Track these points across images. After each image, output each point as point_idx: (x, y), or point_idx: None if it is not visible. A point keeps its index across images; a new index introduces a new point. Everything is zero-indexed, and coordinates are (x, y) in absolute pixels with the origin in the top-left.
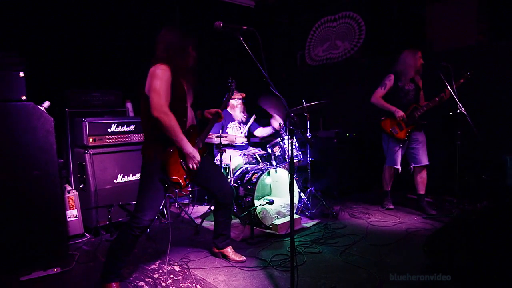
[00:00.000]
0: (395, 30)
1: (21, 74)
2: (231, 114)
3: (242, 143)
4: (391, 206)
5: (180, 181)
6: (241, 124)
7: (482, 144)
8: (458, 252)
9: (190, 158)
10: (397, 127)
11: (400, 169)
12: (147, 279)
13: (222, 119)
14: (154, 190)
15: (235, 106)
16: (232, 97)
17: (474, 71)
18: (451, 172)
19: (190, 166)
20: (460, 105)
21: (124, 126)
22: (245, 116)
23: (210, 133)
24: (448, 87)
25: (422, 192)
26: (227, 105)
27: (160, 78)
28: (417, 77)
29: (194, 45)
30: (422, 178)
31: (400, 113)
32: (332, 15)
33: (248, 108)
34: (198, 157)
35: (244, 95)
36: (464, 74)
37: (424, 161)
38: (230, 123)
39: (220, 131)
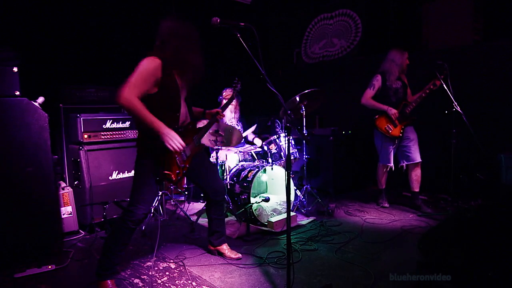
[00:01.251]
0: (392, 28)
1: (15, 69)
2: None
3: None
4: (386, 205)
5: (172, 175)
6: (237, 122)
7: (477, 142)
8: (452, 250)
9: (167, 137)
10: (391, 125)
11: (393, 166)
12: (142, 276)
13: (223, 117)
14: (147, 184)
15: (228, 108)
16: (224, 95)
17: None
18: (446, 170)
19: (170, 146)
20: (456, 103)
21: (119, 123)
22: (236, 117)
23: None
24: (444, 84)
25: (416, 190)
26: (228, 105)
27: (140, 68)
28: (403, 75)
29: (198, 43)
30: (416, 176)
31: (393, 111)
32: (329, 13)
33: (241, 107)
34: (177, 137)
35: (233, 95)
36: (440, 76)
37: (417, 158)
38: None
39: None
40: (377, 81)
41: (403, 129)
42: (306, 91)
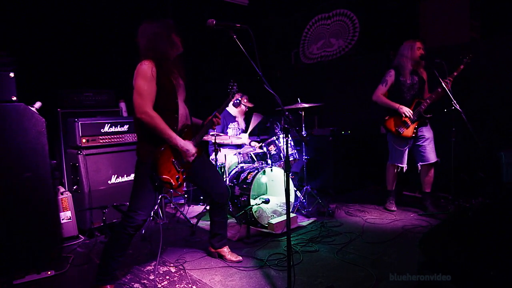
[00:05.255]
0: (389, 27)
1: (11, 74)
2: (234, 117)
3: (241, 144)
4: (394, 208)
5: (171, 180)
6: (240, 130)
7: (476, 140)
8: (454, 249)
9: (184, 151)
10: (403, 126)
11: (406, 167)
12: (142, 281)
13: (219, 124)
14: (148, 190)
15: (243, 112)
16: (245, 103)
17: (472, 55)
18: (446, 169)
19: (185, 160)
20: (455, 102)
21: (117, 126)
22: (244, 124)
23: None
24: (443, 84)
25: (428, 190)
26: (224, 108)
27: (143, 76)
28: (421, 70)
29: (176, 30)
30: (429, 176)
31: (405, 109)
32: (326, 13)
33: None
34: (193, 150)
35: (252, 105)
36: (463, 59)
37: (432, 158)
38: (231, 123)
39: (219, 130)
40: (390, 77)
41: (416, 129)
42: (307, 105)
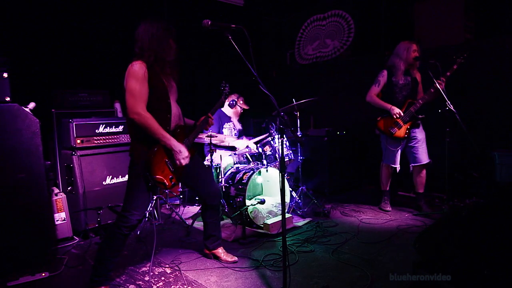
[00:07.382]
0: (384, 28)
1: (5, 74)
2: (230, 117)
3: (235, 147)
4: (389, 208)
5: (165, 181)
6: (236, 130)
7: (470, 141)
8: (448, 248)
9: (177, 153)
10: (395, 126)
11: (398, 168)
12: (137, 282)
13: (212, 124)
14: (142, 190)
15: (238, 113)
16: (241, 104)
17: (466, 55)
18: (440, 169)
19: (178, 162)
20: (449, 102)
21: (112, 127)
22: (240, 125)
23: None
24: (436, 84)
25: (421, 190)
26: (220, 106)
27: (134, 77)
28: (414, 71)
29: (175, 37)
30: (421, 177)
31: (396, 110)
32: (321, 14)
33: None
34: (186, 152)
35: (248, 107)
36: (457, 59)
37: (424, 159)
38: (226, 123)
39: (215, 130)
40: (383, 77)
41: (408, 130)
42: (302, 101)
